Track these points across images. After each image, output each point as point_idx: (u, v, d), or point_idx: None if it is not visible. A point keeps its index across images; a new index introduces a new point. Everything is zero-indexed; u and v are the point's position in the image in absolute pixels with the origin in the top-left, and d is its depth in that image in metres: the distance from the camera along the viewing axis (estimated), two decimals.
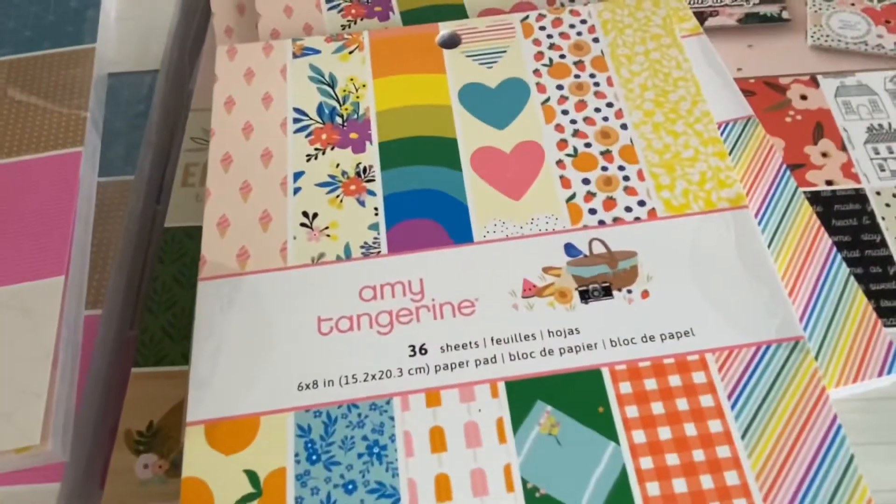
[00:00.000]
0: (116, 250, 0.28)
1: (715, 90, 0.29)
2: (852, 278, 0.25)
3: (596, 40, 0.30)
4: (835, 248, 0.25)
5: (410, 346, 0.23)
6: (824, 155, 0.30)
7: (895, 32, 0.33)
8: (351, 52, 0.30)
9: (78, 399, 0.25)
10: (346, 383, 0.22)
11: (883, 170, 0.29)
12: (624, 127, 0.27)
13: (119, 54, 0.34)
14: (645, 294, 0.23)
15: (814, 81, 0.32)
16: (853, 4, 0.35)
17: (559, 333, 0.23)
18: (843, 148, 0.29)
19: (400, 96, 0.29)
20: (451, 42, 0.30)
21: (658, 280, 0.24)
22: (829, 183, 0.29)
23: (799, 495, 0.20)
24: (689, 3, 0.34)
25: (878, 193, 0.28)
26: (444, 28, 0.30)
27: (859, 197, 0.28)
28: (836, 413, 0.21)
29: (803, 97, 0.31)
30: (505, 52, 0.30)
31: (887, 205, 0.28)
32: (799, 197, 0.27)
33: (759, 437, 0.21)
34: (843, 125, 0.30)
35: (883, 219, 0.28)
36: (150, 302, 0.27)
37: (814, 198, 0.28)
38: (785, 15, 0.34)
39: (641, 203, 0.25)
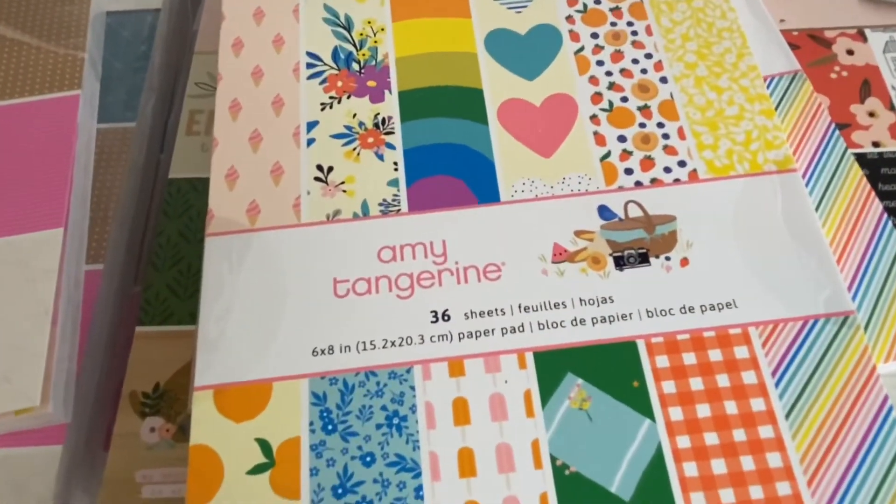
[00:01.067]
0: (118, 202, 0.27)
1: (760, 42, 0.27)
2: None
3: None
4: (886, 214, 0.24)
5: (432, 311, 0.21)
6: (871, 115, 0.28)
7: None
8: None
9: (79, 358, 0.24)
10: (364, 349, 0.21)
11: None
12: (664, 80, 0.25)
13: None
14: (684, 262, 0.22)
15: (861, 35, 0.30)
16: None
17: (592, 302, 0.21)
18: (892, 108, 0.28)
19: (421, 42, 0.27)
20: None
21: (698, 247, 0.22)
22: (875, 144, 0.27)
23: (846, 480, 0.18)
24: None
25: None
26: None
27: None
28: (886, 394, 0.20)
29: (850, 52, 0.29)
30: None
31: None
32: (848, 159, 0.25)
33: (805, 417, 0.19)
34: (892, 83, 0.28)
35: None
36: (155, 257, 0.25)
37: (859, 160, 0.26)
38: None
39: (682, 164, 0.24)
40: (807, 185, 0.24)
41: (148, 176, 0.29)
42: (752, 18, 0.28)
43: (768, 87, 0.26)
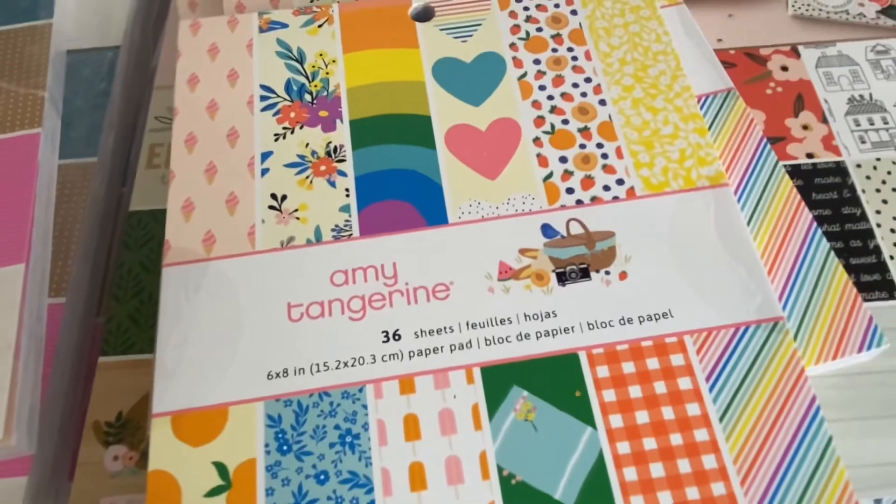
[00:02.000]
0: (80, 235, 0.27)
1: (695, 62, 0.28)
2: (832, 253, 0.24)
3: (574, 13, 0.29)
4: (815, 223, 0.25)
5: (384, 331, 0.22)
6: (805, 127, 0.29)
7: (876, 1, 0.33)
8: (320, 26, 0.29)
9: (43, 390, 0.24)
10: (318, 371, 0.21)
11: (864, 142, 0.28)
12: (602, 103, 0.27)
13: (78, 30, 0.33)
14: (623, 275, 0.23)
15: (795, 52, 0.31)
16: None
17: (536, 317, 0.22)
18: (824, 120, 0.29)
19: (371, 72, 0.28)
20: (425, 15, 0.29)
21: (636, 261, 0.23)
22: (809, 156, 0.28)
23: (777, 479, 0.19)
24: None
25: (858, 166, 0.28)
26: (418, 0, 0.29)
27: (840, 170, 0.28)
28: (814, 395, 0.21)
29: (784, 68, 0.31)
30: (480, 25, 0.29)
31: (868, 177, 0.28)
32: (780, 171, 0.26)
33: (738, 419, 0.20)
34: (824, 97, 0.30)
35: (863, 192, 0.27)
36: (117, 289, 0.26)
37: (794, 171, 0.28)
38: None
39: (620, 182, 0.25)
40: (739, 197, 0.26)
41: (110, 209, 0.29)
42: (687, 39, 0.29)
43: (703, 105, 0.27)
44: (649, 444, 0.20)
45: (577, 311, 0.22)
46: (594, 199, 0.24)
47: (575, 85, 0.27)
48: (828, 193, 0.27)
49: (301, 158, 0.26)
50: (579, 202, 0.24)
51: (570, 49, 0.28)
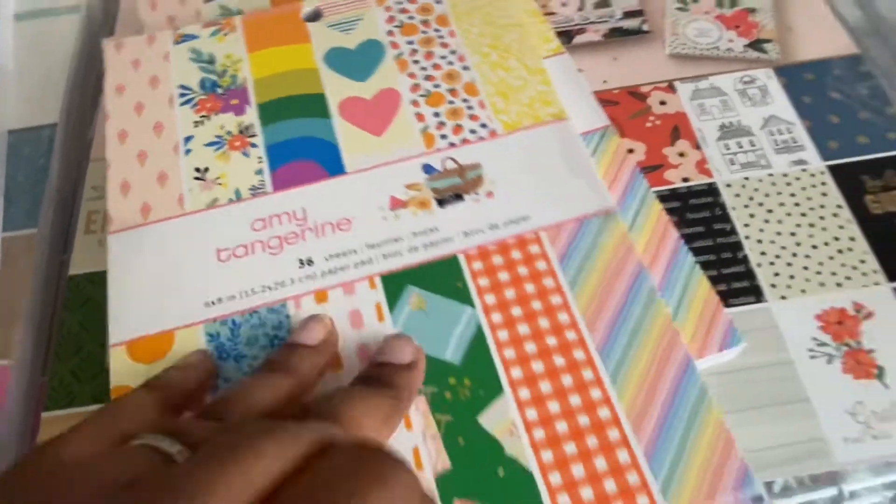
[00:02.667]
0: (25, 302, 0.29)
1: (576, 104, 0.31)
2: (697, 266, 0.27)
3: (439, 2, 0.35)
4: (682, 241, 0.28)
5: (299, 259, 0.27)
6: (681, 154, 0.32)
7: (744, 36, 0.36)
8: (226, 35, 0.34)
9: None
10: (246, 296, 0.26)
11: (733, 163, 0.31)
12: (466, 68, 0.32)
13: (17, 109, 0.35)
14: (490, 194, 0.28)
15: (671, 87, 0.34)
16: (707, 13, 0.37)
17: (422, 233, 0.27)
18: (698, 147, 0.32)
19: (272, 65, 0.33)
20: (315, 16, 0.35)
21: (500, 183, 0.29)
22: (685, 180, 0.31)
23: (611, 334, 0.25)
24: (558, 23, 0.37)
25: (728, 185, 0.31)
26: (308, 5, 0.35)
27: (712, 190, 0.31)
28: (640, 261, 0.26)
29: (662, 102, 0.34)
30: (361, 19, 0.34)
31: (737, 195, 0.30)
32: (650, 197, 0.29)
33: (583, 286, 0.26)
34: (697, 126, 0.33)
35: (733, 209, 0.30)
36: (59, 348, 0.28)
37: (672, 194, 0.30)
38: (645, 27, 0.37)
39: (483, 125, 0.30)
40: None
41: (52, 276, 0.31)
42: (570, 84, 0.32)
43: (586, 141, 0.30)
44: (516, 311, 0.25)
45: (454, 225, 0.27)
46: (464, 141, 0.30)
47: (443, 57, 0.33)
48: (702, 212, 0.30)
49: (218, 138, 0.30)
50: (452, 144, 0.30)
51: (437, 30, 0.34)
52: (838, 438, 0.25)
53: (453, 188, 0.29)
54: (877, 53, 0.36)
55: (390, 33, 0.34)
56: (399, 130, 0.30)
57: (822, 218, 0.30)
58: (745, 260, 0.29)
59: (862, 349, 0.27)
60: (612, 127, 0.31)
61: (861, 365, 0.27)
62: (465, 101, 0.31)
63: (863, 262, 0.29)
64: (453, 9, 0.34)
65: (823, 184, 0.31)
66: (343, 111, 0.31)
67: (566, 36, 0.37)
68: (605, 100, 0.34)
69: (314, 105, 0.31)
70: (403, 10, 0.35)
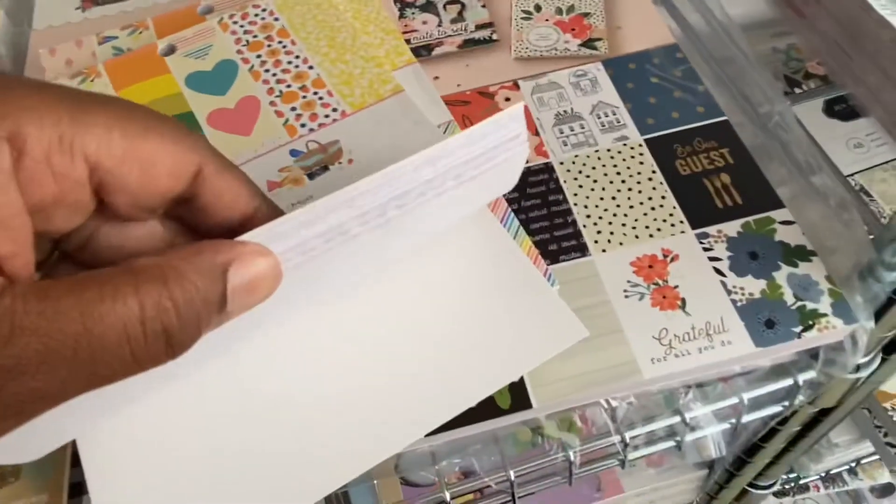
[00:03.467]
0: None
1: (425, 105, 0.37)
2: (521, 228, 0.32)
3: (276, 19, 0.40)
4: (510, 209, 0.33)
5: None
6: None
7: (578, 37, 0.41)
8: (92, 80, 0.38)
9: None
10: None
11: (566, 145, 0.36)
12: (311, 67, 0.37)
13: None
14: (350, 161, 0.33)
15: (516, 85, 0.39)
16: (547, 20, 0.42)
17: (299, 203, 0.31)
18: (537, 133, 0.37)
19: (140, 97, 0.37)
20: (170, 51, 0.39)
21: (357, 151, 0.33)
22: (526, 161, 0.36)
23: None
24: (420, 38, 0.41)
25: (561, 163, 0.35)
26: (162, 42, 0.39)
27: (548, 168, 0.35)
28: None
29: (507, 99, 0.38)
30: (212, 45, 0.39)
31: (568, 171, 0.35)
32: None
33: None
34: (537, 116, 0.37)
35: (565, 182, 0.35)
36: None
37: None
38: (494, 37, 0.41)
39: (335, 110, 0.35)
40: None
41: None
42: (420, 90, 0.37)
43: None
44: None
45: (325, 190, 0.31)
46: (320, 125, 0.35)
47: (289, 62, 0.38)
48: (539, 187, 0.35)
49: None
50: (311, 130, 0.35)
51: (280, 42, 0.39)
52: (647, 359, 0.29)
53: (318, 163, 0.33)
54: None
55: (240, 52, 0.38)
56: (264, 128, 0.35)
57: (638, 183, 0.35)
58: (573, 223, 0.34)
59: (668, 286, 0.31)
60: (454, 122, 0.36)
61: (667, 299, 0.31)
62: (315, 93, 0.36)
63: (671, 215, 0.34)
64: (289, 22, 0.39)
65: (641, 154, 0.36)
66: (211, 122, 0.35)
67: (426, 49, 0.41)
68: (459, 100, 0.38)
69: (186, 121, 0.35)
70: (247, 31, 0.39)
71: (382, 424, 0.26)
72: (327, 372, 0.26)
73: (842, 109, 0.45)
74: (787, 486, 0.67)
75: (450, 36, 0.42)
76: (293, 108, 0.36)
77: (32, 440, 0.23)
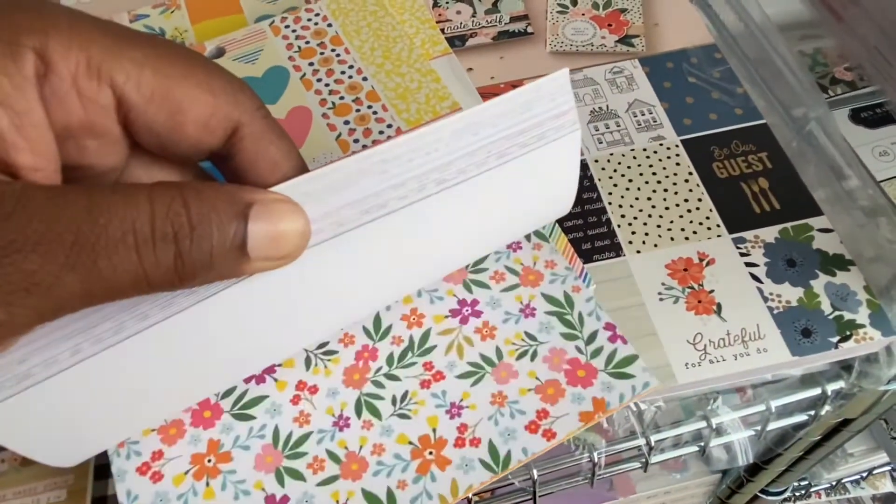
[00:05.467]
0: None
1: (461, 97, 0.36)
2: (556, 225, 0.31)
3: (329, 25, 0.39)
4: None
5: None
6: None
7: (615, 33, 0.41)
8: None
9: None
10: None
11: (601, 142, 0.36)
12: (365, 79, 0.37)
13: None
14: None
15: None
16: (583, 14, 0.42)
17: None
18: None
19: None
20: (219, 54, 0.39)
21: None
22: None
23: None
24: (454, 28, 0.42)
25: (596, 161, 0.36)
26: (210, 45, 0.39)
27: (583, 166, 0.35)
28: None
29: None
30: (262, 50, 0.38)
31: (603, 169, 0.35)
32: None
33: None
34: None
35: (599, 180, 0.35)
36: None
37: None
38: (529, 30, 0.41)
39: (389, 126, 0.35)
40: None
41: None
42: (456, 81, 0.37)
43: None
44: None
45: None
46: (374, 142, 0.34)
47: (342, 72, 0.37)
48: None
49: None
50: (364, 146, 0.34)
51: (333, 50, 0.38)
52: (681, 364, 0.29)
53: None
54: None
55: (291, 58, 0.38)
56: (316, 142, 0.34)
57: (674, 184, 0.34)
58: (608, 222, 0.33)
59: (704, 290, 0.31)
60: None
61: (702, 303, 0.31)
62: (369, 107, 0.36)
63: (707, 218, 0.33)
64: (343, 29, 0.39)
65: (678, 155, 0.35)
66: None
67: (460, 40, 0.41)
68: (493, 93, 0.38)
69: None
70: (299, 37, 0.39)
71: None
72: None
73: (868, 117, 0.45)
74: (795, 493, 0.67)
75: (484, 27, 0.41)
76: (346, 122, 0.35)
77: (71, 446, 0.23)
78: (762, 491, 0.55)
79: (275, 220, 0.19)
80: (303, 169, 0.22)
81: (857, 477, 0.65)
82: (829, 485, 0.66)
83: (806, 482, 0.63)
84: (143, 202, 0.17)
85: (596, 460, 0.34)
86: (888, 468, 0.63)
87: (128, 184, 0.17)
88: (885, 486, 0.75)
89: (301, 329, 0.26)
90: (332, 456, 0.25)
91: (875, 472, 0.64)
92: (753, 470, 0.50)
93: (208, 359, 0.24)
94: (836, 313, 0.30)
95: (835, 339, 0.30)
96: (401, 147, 0.21)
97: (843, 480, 0.66)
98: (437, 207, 0.23)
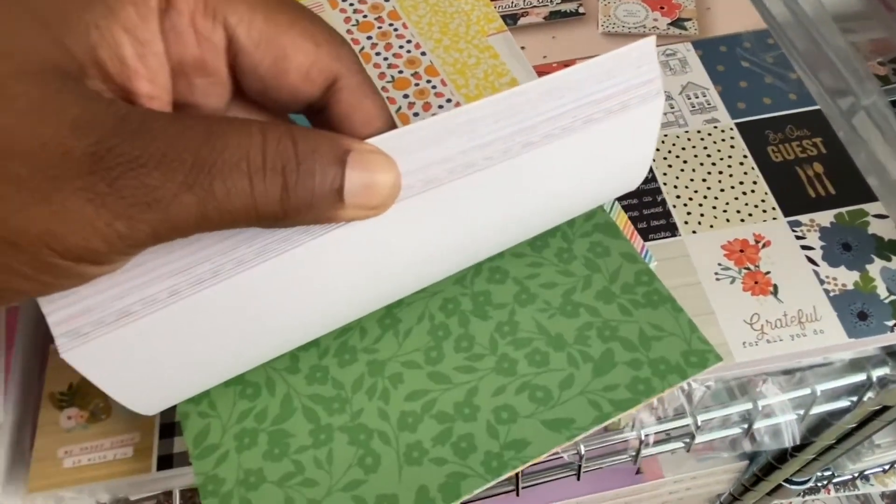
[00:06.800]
0: None
1: (518, 73, 0.37)
2: (617, 203, 0.31)
3: (387, 0, 0.39)
4: None
5: None
6: None
7: (667, 15, 0.41)
8: None
9: (7, 368, 0.29)
10: None
11: None
12: (423, 54, 0.37)
13: None
14: None
15: None
16: None
17: None
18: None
19: None
20: None
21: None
22: None
23: None
24: (505, 7, 0.42)
25: None
26: None
27: None
28: None
29: None
30: None
31: (657, 149, 0.35)
32: None
33: None
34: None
35: (654, 161, 0.35)
36: None
37: None
38: (581, 10, 0.42)
39: (448, 100, 0.35)
40: None
41: None
42: (511, 58, 0.37)
43: None
44: None
45: None
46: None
47: (400, 47, 0.37)
48: None
49: None
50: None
51: (391, 24, 0.38)
52: (738, 343, 0.29)
53: None
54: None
55: (349, 31, 0.38)
56: None
57: (729, 166, 0.35)
58: (663, 202, 0.33)
59: (760, 271, 0.31)
60: None
61: (759, 284, 0.31)
62: (428, 81, 0.36)
63: (763, 201, 0.33)
64: (400, 4, 0.39)
65: (732, 138, 0.36)
66: None
67: (511, 18, 0.41)
68: (546, 72, 0.37)
69: None
70: (357, 11, 0.39)
71: None
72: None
73: None
74: (818, 484, 0.67)
75: (535, 6, 0.42)
76: (405, 96, 0.35)
77: (155, 391, 0.24)
78: (786, 480, 0.56)
79: (370, 169, 0.19)
80: (393, 126, 0.22)
81: (880, 469, 0.65)
82: (850, 477, 0.67)
83: (829, 472, 0.64)
84: (256, 133, 0.17)
85: (643, 438, 0.34)
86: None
87: (240, 118, 0.18)
88: (895, 484, 0.75)
89: (389, 287, 0.26)
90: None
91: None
92: (781, 457, 0.50)
93: (297, 308, 0.24)
94: (892, 297, 0.30)
95: (891, 323, 0.30)
96: (487, 108, 0.21)
97: (866, 472, 0.66)
98: (524, 168, 0.23)
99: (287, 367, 0.27)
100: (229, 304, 0.22)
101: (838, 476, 0.66)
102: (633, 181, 0.29)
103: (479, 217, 0.25)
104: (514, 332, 0.28)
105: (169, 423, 0.29)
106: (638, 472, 0.55)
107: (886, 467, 0.66)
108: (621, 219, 0.31)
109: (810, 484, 0.59)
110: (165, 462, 0.28)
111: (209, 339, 0.23)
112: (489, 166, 0.22)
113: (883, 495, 0.80)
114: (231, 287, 0.21)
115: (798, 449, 0.49)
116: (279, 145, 0.17)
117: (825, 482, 0.66)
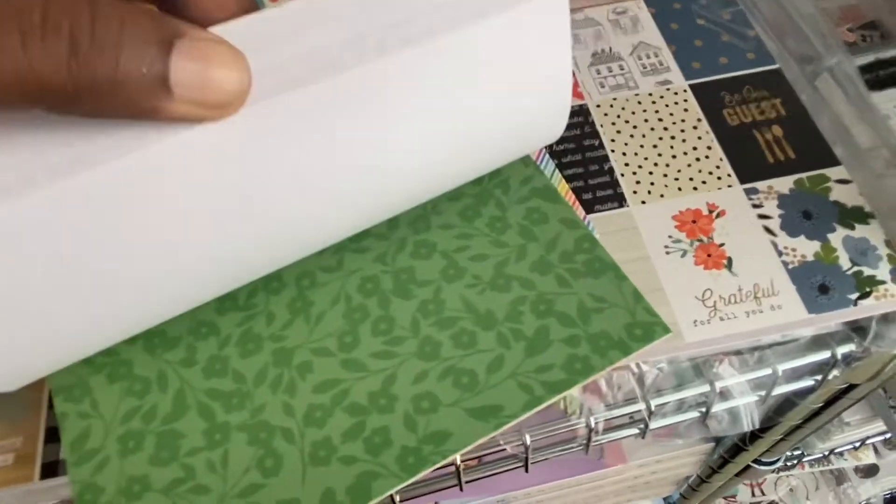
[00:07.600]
0: None
1: None
2: (557, 171, 0.29)
3: None
4: (545, 151, 0.29)
5: None
6: None
7: None
8: None
9: None
10: None
11: (603, 86, 0.34)
12: None
13: None
14: None
15: None
16: None
17: None
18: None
19: None
20: None
21: None
22: None
23: None
24: None
25: (598, 106, 0.33)
26: None
27: (583, 111, 0.33)
28: None
29: None
30: None
31: (605, 114, 0.33)
32: None
33: None
34: (572, 55, 0.36)
35: (601, 126, 0.33)
36: None
37: None
38: None
39: None
40: None
41: None
42: None
43: None
44: None
45: None
46: None
47: None
48: (573, 130, 0.33)
49: None
50: None
51: None
52: (689, 321, 0.27)
53: None
54: None
55: None
56: None
57: (682, 131, 0.32)
58: (610, 171, 0.31)
59: (713, 243, 0.29)
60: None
61: (711, 257, 0.28)
62: None
63: (718, 167, 0.31)
64: None
65: (685, 101, 0.33)
66: None
67: None
68: None
69: None
70: None
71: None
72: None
73: (870, 78, 0.42)
74: (787, 463, 0.66)
75: None
76: None
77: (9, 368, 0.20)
78: (755, 461, 0.54)
79: (206, 60, 0.17)
80: (251, 5, 0.20)
81: (850, 447, 0.64)
82: (821, 454, 0.65)
83: (799, 452, 0.62)
84: None
85: (593, 426, 0.31)
86: (882, 437, 0.62)
87: None
88: (868, 458, 0.74)
89: (273, 232, 0.22)
90: None
91: (868, 441, 0.63)
92: (749, 438, 0.49)
93: (146, 247, 0.20)
94: (855, 269, 0.28)
95: (854, 297, 0.27)
96: None
97: (836, 450, 0.65)
98: (406, 71, 0.20)
99: (182, 360, 0.24)
100: (50, 230, 0.18)
101: (808, 455, 0.64)
102: (557, 109, 0.24)
103: (361, 137, 0.21)
104: (439, 311, 0.25)
105: (55, 427, 0.26)
106: (600, 457, 0.53)
107: (857, 444, 0.65)
108: (562, 188, 0.28)
109: (779, 464, 0.58)
110: (51, 469, 0.25)
111: (38, 280, 0.19)
112: (359, 64, 0.19)
113: (856, 469, 0.79)
114: (45, 202, 0.17)
115: (764, 430, 0.47)
116: (72, 7, 0.15)
117: (795, 461, 0.65)
